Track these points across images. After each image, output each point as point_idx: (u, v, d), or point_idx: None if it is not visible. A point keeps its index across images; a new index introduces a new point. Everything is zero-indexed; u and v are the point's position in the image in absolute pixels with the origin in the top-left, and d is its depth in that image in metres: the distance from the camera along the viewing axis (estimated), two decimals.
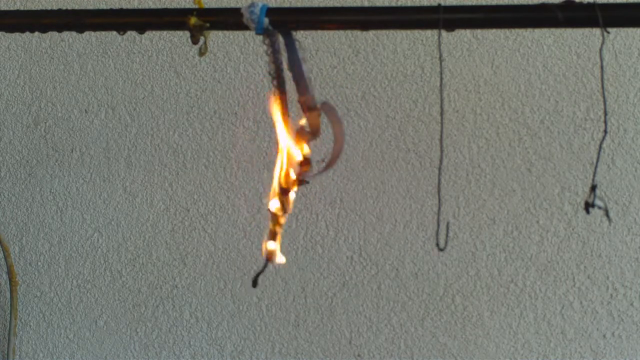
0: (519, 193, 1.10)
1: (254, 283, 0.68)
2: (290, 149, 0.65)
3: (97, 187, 1.25)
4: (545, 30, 1.08)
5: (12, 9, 1.27)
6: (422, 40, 1.13)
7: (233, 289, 1.21)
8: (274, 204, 0.65)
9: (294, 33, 0.65)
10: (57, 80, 1.27)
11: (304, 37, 0.67)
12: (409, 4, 1.07)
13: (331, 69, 1.16)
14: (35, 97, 1.28)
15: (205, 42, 0.68)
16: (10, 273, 1.27)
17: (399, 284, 1.14)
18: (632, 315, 1.07)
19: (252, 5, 0.64)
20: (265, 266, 0.66)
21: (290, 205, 0.66)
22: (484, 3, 0.65)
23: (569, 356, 1.09)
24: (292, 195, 0.66)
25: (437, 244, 0.63)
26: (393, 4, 1.14)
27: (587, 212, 0.65)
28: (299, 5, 1.16)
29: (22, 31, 0.71)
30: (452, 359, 1.13)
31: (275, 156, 0.66)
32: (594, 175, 0.67)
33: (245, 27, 0.65)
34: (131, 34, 0.71)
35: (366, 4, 1.16)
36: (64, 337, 1.28)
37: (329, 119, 0.67)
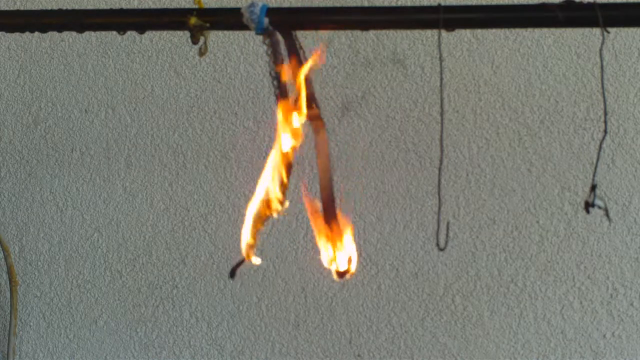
0: (519, 193, 1.10)
1: (232, 274, 0.68)
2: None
3: (97, 187, 1.25)
4: (545, 30, 1.08)
5: (12, 9, 1.27)
6: (422, 40, 1.13)
7: (233, 289, 1.21)
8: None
9: (294, 33, 0.65)
10: (57, 80, 1.27)
11: (304, 37, 0.67)
12: (409, 4, 1.07)
13: (331, 69, 1.16)
14: (35, 97, 1.28)
15: (205, 42, 0.68)
16: (10, 273, 1.27)
17: (399, 284, 1.14)
18: (632, 315, 1.07)
19: (252, 5, 0.64)
20: (243, 259, 0.67)
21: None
22: (484, 3, 0.65)
23: (569, 356, 1.09)
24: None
25: (437, 244, 0.63)
26: (393, 4, 1.14)
27: (587, 212, 0.65)
28: (299, 5, 1.16)
29: (22, 31, 0.71)
30: (452, 359, 1.13)
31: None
32: (594, 175, 0.67)
33: (245, 27, 0.65)
34: (131, 34, 0.71)
35: (366, 4, 1.16)
36: (64, 337, 1.28)
37: (313, 130, 0.66)
